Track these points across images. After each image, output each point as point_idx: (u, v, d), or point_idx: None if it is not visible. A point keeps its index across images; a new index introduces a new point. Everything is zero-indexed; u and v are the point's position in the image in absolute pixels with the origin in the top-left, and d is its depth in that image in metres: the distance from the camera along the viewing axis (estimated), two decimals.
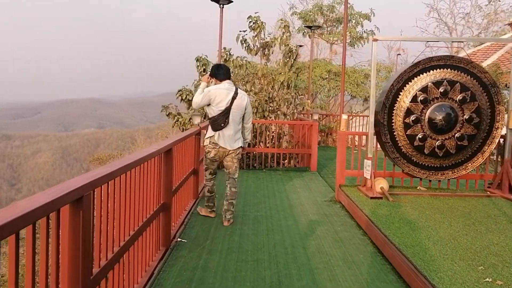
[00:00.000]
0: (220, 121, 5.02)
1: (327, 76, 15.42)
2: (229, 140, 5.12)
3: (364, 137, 8.42)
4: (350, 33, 16.82)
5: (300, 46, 13.92)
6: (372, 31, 17.68)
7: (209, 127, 5.21)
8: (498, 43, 15.20)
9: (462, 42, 6.81)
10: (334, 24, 17.81)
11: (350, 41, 17.23)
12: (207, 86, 5.21)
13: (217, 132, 5.06)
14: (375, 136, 6.17)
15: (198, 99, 5.10)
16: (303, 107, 10.78)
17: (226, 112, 5.01)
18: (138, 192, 3.21)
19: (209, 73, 5.32)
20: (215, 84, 5.22)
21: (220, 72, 5.19)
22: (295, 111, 10.37)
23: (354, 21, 17.09)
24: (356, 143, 10.06)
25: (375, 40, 6.04)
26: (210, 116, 5.15)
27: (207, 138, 5.26)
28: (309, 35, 16.93)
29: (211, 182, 5.48)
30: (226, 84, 5.13)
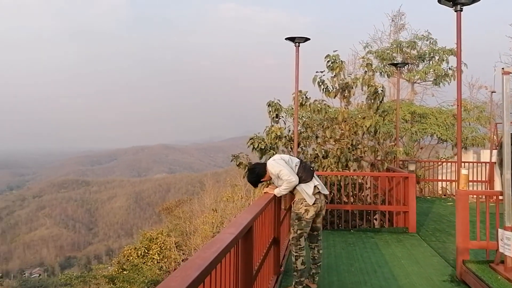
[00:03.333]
0: (308, 166, 4.66)
1: (409, 119, 13.93)
2: (321, 183, 4.75)
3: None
4: (434, 70, 15.27)
5: None
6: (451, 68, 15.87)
7: (301, 186, 4.51)
8: None
9: None
10: (415, 61, 16.35)
11: (434, 79, 15.62)
12: (271, 184, 4.85)
13: (314, 179, 4.58)
14: None
15: (292, 177, 4.46)
16: (394, 156, 9.31)
17: (301, 161, 4.68)
18: None
19: (266, 184, 5.26)
20: (268, 179, 4.86)
21: (260, 166, 4.89)
22: (384, 160, 8.95)
23: (437, 57, 15.54)
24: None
25: (507, 73, 4.66)
26: (289, 177, 4.45)
27: (308, 195, 4.49)
28: (387, 74, 15.59)
29: (304, 251, 4.62)
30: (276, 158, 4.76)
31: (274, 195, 4.77)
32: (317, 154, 8.78)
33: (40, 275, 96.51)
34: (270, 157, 4.95)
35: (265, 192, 4.78)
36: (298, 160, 4.65)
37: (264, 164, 4.78)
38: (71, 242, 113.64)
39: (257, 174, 4.80)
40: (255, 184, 5.02)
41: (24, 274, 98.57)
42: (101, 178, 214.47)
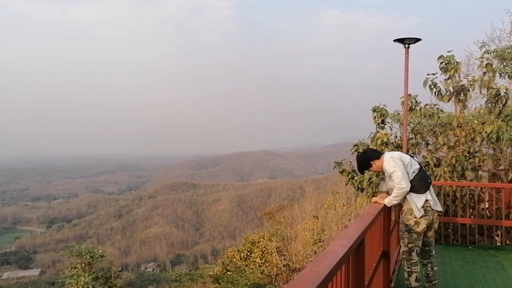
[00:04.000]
0: (426, 177, 4.22)
1: None
2: (436, 198, 4.32)
3: None
4: None
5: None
6: None
7: (411, 195, 4.13)
8: None
9: None
10: None
11: None
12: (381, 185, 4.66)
13: (428, 193, 4.18)
14: None
15: (403, 182, 4.05)
16: None
17: (421, 168, 4.20)
18: None
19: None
20: (376, 170, 4.48)
21: (375, 153, 4.48)
22: (509, 169, 7.94)
23: None
24: None
25: None
26: (400, 181, 4.06)
27: (416, 207, 4.13)
28: (508, 76, 13.99)
29: (418, 267, 4.24)
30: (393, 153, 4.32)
31: (384, 205, 4.40)
32: (428, 162, 8.08)
33: (153, 269, 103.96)
34: (390, 151, 4.57)
35: (374, 202, 4.44)
36: (418, 166, 4.19)
37: (379, 154, 4.38)
38: (181, 240, 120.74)
39: (367, 159, 4.41)
40: (361, 169, 4.58)
41: (140, 267, 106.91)
42: (207, 182, 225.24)
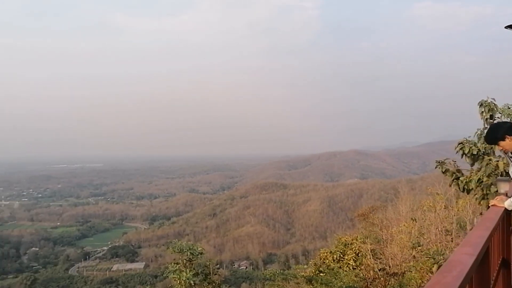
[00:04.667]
0: None
1: None
2: None
3: None
4: None
5: None
6: None
7: None
8: None
9: None
10: None
11: None
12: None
13: None
14: None
15: None
16: None
17: None
18: None
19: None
20: (505, 149, 3.90)
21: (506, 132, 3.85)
22: None
23: None
24: None
25: None
26: None
27: None
28: None
29: None
30: None
31: (504, 208, 3.94)
32: None
33: (246, 267, 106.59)
34: None
35: (492, 205, 3.98)
36: None
37: None
38: (272, 240, 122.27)
39: (503, 130, 3.90)
40: (491, 138, 4.10)
41: (234, 265, 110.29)
42: (296, 182, 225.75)
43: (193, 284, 10.86)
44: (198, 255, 11.57)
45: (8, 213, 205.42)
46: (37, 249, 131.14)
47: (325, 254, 17.98)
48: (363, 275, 15.48)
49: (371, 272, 15.19)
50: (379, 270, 15.73)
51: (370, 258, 16.96)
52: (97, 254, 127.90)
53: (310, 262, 22.01)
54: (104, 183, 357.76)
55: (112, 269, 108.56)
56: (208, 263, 12.05)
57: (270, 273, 17.58)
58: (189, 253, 11.39)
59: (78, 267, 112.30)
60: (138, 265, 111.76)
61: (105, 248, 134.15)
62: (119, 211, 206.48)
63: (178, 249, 11.54)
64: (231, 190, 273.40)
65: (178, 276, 10.86)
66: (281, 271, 18.77)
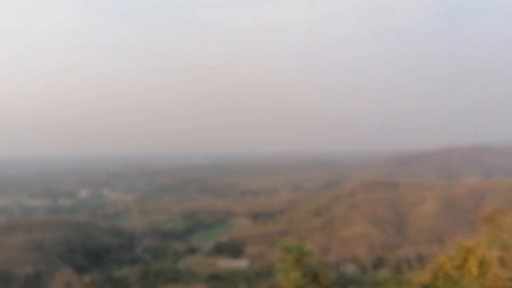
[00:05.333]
0: None
1: None
2: None
3: None
4: None
5: None
6: None
7: None
8: None
9: None
10: None
11: None
12: None
13: None
14: None
15: None
16: None
17: None
18: None
19: None
20: None
21: None
22: None
23: None
24: None
25: None
26: None
27: None
28: None
29: None
30: None
31: None
32: None
33: (354, 270, 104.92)
34: None
35: None
36: None
37: None
38: (381, 242, 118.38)
39: None
40: None
41: (340, 267, 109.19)
42: (408, 180, 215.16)
43: (302, 284, 11.14)
44: (306, 255, 11.79)
45: (123, 206, 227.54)
46: (148, 242, 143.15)
47: (444, 260, 17.09)
48: (489, 285, 14.46)
49: (499, 282, 14.12)
50: (510, 280, 14.56)
51: (497, 266, 15.78)
52: (203, 249, 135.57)
53: (426, 268, 21.08)
54: (209, 179, 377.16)
55: (217, 265, 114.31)
56: (317, 264, 12.22)
57: (382, 277, 17.19)
58: (297, 253, 11.66)
59: (186, 261, 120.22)
60: (243, 262, 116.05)
61: (210, 243, 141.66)
62: (223, 206, 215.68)
63: (285, 248, 11.88)
64: (337, 188, 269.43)
65: (287, 276, 11.21)
66: (394, 276, 18.21)
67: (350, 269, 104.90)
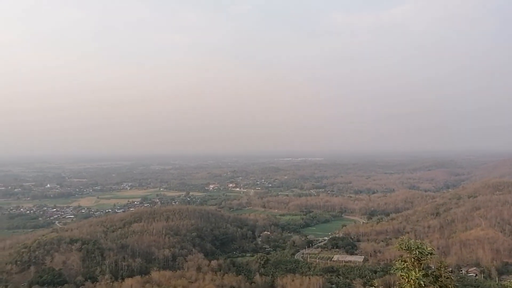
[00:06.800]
0: None
1: None
2: None
3: None
4: None
5: None
6: None
7: None
8: None
9: None
10: None
11: None
12: None
13: None
14: None
15: None
16: None
17: None
18: None
19: None
20: None
21: None
22: None
23: None
24: None
25: None
26: None
27: None
28: None
29: None
30: None
31: None
32: None
33: (476, 275, 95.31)
34: None
35: None
36: None
37: None
38: (508, 247, 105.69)
39: None
40: None
41: (461, 271, 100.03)
42: None
43: (422, 285, 10.35)
44: (427, 255, 10.95)
45: (246, 199, 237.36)
46: (269, 233, 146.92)
47: None
48: None
49: None
50: None
51: None
52: (319, 243, 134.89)
53: None
54: (325, 176, 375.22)
55: (332, 259, 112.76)
56: (439, 265, 11.28)
57: (511, 285, 15.19)
58: (417, 252, 10.89)
59: (303, 253, 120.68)
60: (358, 258, 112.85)
61: (326, 238, 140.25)
62: (338, 203, 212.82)
63: (405, 247, 11.17)
64: (457, 188, 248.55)
65: (407, 275, 10.51)
66: None
67: (472, 273, 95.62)
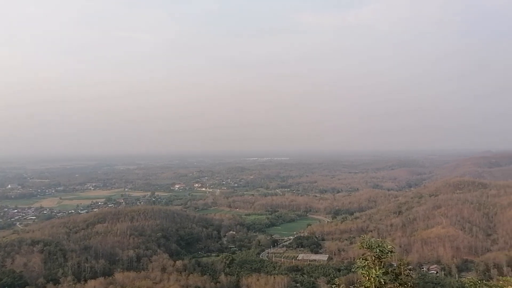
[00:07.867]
0: None
1: None
2: None
3: None
4: None
5: None
6: None
7: None
8: None
9: None
10: None
11: None
12: None
13: None
14: None
15: None
16: None
17: None
18: None
19: None
20: None
21: None
22: None
23: None
24: None
25: None
26: None
27: None
28: None
29: None
30: None
31: None
32: None
33: (437, 272, 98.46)
34: None
35: None
36: None
37: None
38: (468, 245, 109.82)
39: None
40: None
41: (422, 268, 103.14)
42: (500, 181, 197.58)
43: (383, 283, 10.38)
44: (388, 253, 11.00)
45: (212, 199, 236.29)
46: (234, 232, 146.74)
47: None
48: None
49: None
50: None
51: None
52: (284, 242, 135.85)
53: None
54: (290, 176, 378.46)
55: (297, 258, 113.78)
56: (399, 263, 11.36)
57: (469, 282, 15.56)
58: (378, 250, 10.91)
59: (268, 253, 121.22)
60: (322, 257, 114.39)
61: (291, 237, 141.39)
62: (303, 203, 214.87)
63: (366, 245, 11.17)
64: (419, 187, 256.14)
65: (368, 273, 10.50)
66: (483, 281, 16.42)
67: (433, 270, 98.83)
